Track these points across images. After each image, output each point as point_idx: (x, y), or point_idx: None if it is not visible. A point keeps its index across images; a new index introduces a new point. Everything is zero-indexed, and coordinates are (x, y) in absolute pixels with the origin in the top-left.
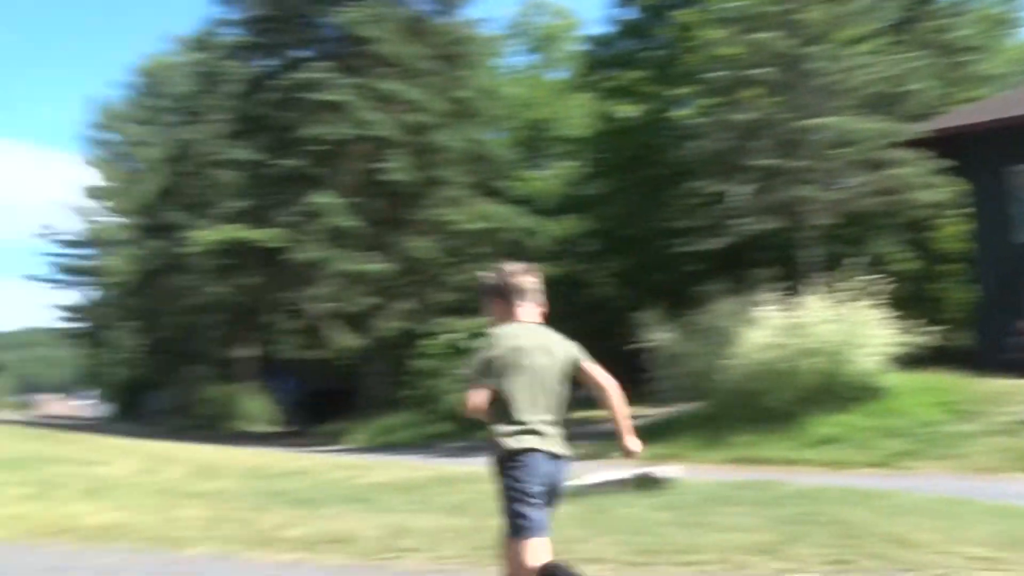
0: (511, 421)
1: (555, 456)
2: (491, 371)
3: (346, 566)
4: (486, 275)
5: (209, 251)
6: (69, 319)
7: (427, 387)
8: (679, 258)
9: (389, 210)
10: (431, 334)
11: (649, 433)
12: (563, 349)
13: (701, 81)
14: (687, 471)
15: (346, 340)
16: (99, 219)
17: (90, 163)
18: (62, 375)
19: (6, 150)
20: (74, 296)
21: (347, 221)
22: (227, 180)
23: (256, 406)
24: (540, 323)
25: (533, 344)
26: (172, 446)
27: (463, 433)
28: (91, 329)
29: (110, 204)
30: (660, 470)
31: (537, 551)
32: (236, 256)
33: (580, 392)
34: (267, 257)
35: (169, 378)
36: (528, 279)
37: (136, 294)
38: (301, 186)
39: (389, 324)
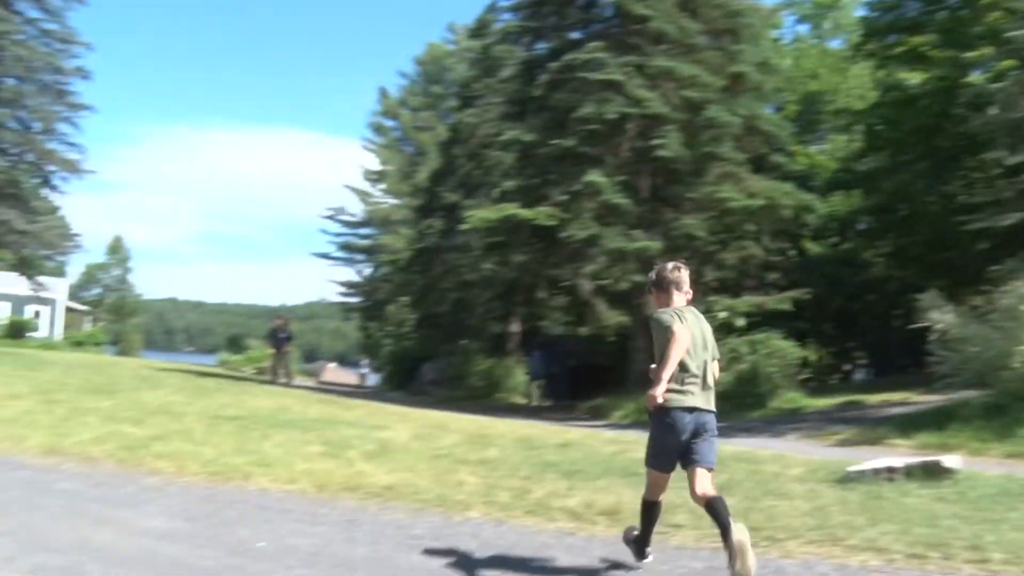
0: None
1: (696, 409)
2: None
3: (618, 537)
4: (651, 273)
5: (483, 229)
6: (348, 294)
7: None
8: (966, 236)
9: (661, 187)
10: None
11: (923, 421)
12: (709, 330)
13: (1002, 41)
14: (966, 463)
15: (612, 317)
16: (378, 201)
17: (371, 149)
18: (341, 346)
19: (301, 139)
20: (353, 272)
21: (618, 199)
22: (501, 161)
23: (522, 380)
24: (689, 306)
25: (691, 321)
26: (444, 415)
27: (724, 414)
28: (368, 303)
29: (389, 186)
30: (945, 459)
31: (664, 481)
32: (508, 234)
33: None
34: (538, 235)
35: (439, 350)
36: (679, 274)
37: (410, 271)
38: (573, 165)
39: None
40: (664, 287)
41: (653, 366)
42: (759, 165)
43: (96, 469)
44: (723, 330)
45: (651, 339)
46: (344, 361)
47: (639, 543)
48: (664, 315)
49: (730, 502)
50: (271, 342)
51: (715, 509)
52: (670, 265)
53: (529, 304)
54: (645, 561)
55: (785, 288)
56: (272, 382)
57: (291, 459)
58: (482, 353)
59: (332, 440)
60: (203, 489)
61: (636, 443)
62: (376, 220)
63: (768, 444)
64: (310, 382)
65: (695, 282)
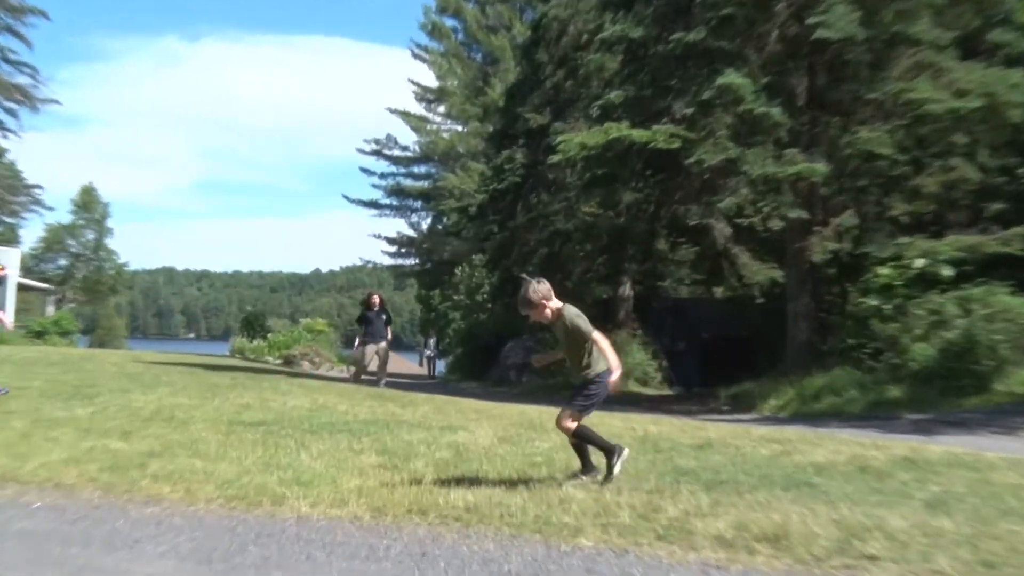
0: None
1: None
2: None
3: (788, 573)
4: (537, 286)
5: (580, 160)
6: (400, 253)
7: (876, 335)
8: None
9: (824, 89)
10: (885, 260)
11: None
12: None
13: None
14: None
15: (758, 271)
16: (437, 127)
17: (424, 58)
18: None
19: (326, 48)
20: (406, 225)
21: (765, 108)
22: (602, 66)
23: (639, 360)
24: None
25: None
26: (535, 410)
27: (926, 402)
28: (427, 265)
29: (451, 108)
30: None
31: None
32: (615, 164)
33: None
34: (656, 163)
35: (525, 325)
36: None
37: (484, 220)
38: (701, 65)
39: (820, 248)
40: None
41: (553, 356)
42: (970, 48)
43: (72, 500)
44: (921, 284)
45: (815, 297)
46: (399, 343)
47: (608, 460)
48: (581, 319)
49: (947, 523)
50: (363, 328)
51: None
52: (538, 280)
53: (645, 258)
54: (621, 458)
55: (1011, 223)
56: (356, 379)
57: (338, 475)
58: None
59: (391, 448)
60: (221, 519)
61: (802, 442)
62: (435, 154)
63: (995, 444)
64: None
65: (877, 216)
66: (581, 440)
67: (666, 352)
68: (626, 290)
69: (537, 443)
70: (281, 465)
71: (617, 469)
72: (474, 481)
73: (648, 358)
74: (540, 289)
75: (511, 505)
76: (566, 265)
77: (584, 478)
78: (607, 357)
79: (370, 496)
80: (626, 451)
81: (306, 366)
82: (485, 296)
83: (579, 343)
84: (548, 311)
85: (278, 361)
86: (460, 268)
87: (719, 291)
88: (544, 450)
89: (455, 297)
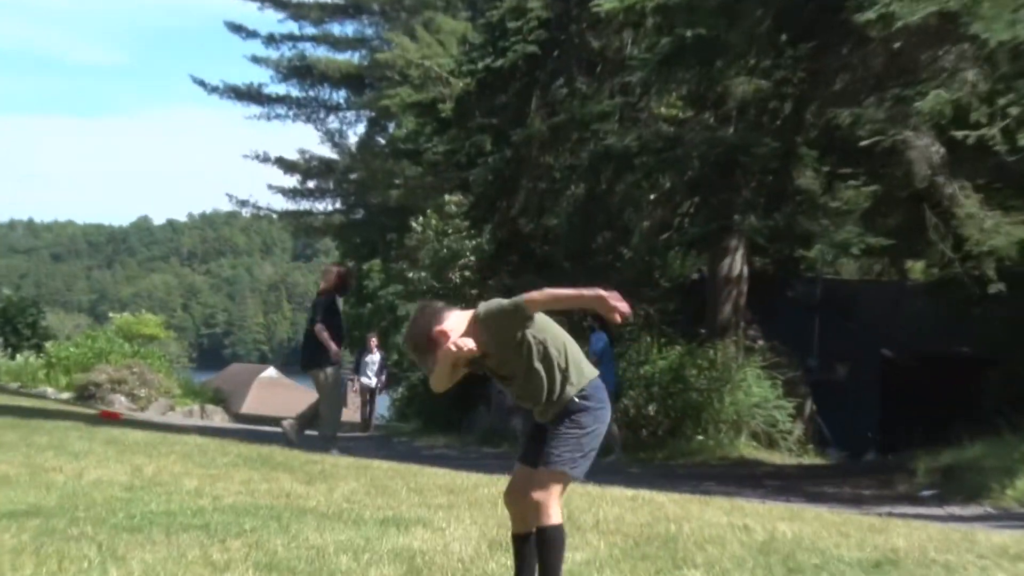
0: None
1: None
2: None
3: None
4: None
5: (652, 9)
6: (302, 193)
7: None
8: None
9: None
10: None
11: None
12: None
13: None
14: None
15: (997, 229)
16: None
17: None
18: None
19: None
20: (317, 136)
21: None
22: None
23: (757, 396)
24: None
25: None
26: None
27: None
28: (357, 218)
29: None
30: None
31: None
32: (719, 21)
33: None
34: (798, 21)
35: None
36: None
37: (464, 126)
38: None
39: None
40: None
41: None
42: None
43: None
44: None
45: None
46: (295, 362)
47: None
48: (497, 303)
49: None
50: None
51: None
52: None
53: (773, 205)
54: None
55: None
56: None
57: None
58: (651, 331)
59: (283, 561)
60: None
61: None
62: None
63: None
64: (217, 416)
65: None
66: (546, 543)
67: (813, 384)
68: (735, 264)
69: (576, 554)
70: None
71: None
72: None
73: (777, 395)
74: (430, 310)
75: None
76: (620, 215)
77: None
78: (563, 297)
79: None
80: None
81: (120, 404)
82: (467, 275)
83: (523, 350)
84: (450, 340)
85: (66, 394)
86: (419, 220)
87: (917, 269)
88: (576, 565)
89: (409, 275)
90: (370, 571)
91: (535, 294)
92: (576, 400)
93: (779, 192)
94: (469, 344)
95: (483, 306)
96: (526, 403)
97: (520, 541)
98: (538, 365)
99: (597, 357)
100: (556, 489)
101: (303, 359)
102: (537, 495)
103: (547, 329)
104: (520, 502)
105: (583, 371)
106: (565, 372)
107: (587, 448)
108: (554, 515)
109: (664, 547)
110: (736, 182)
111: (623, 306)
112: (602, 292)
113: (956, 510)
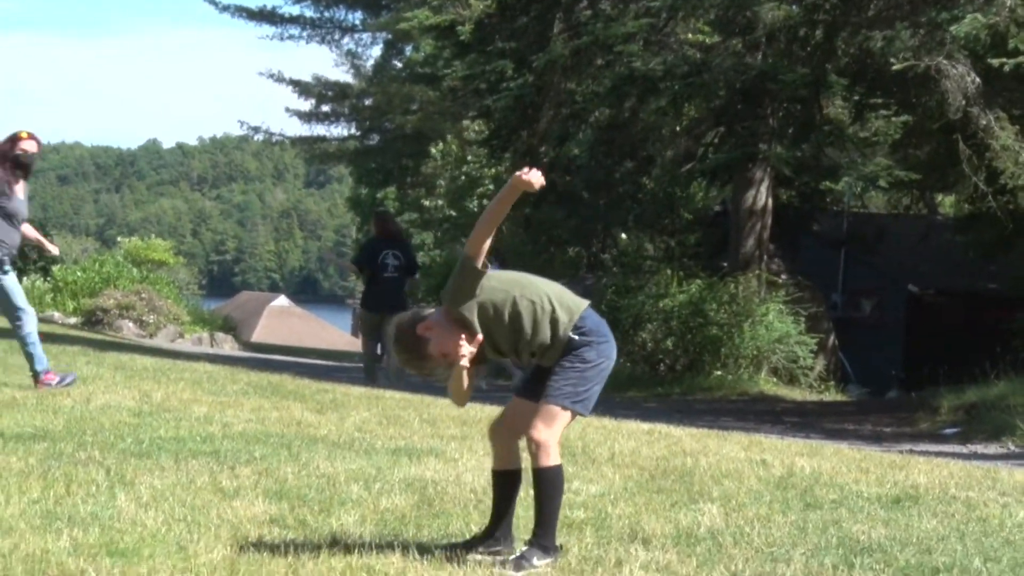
0: None
1: None
2: None
3: None
4: None
5: None
6: (314, 115)
7: None
8: None
9: None
10: None
11: None
12: None
13: None
14: None
15: None
16: None
17: None
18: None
19: None
20: (332, 59)
21: None
22: None
23: (779, 331)
24: None
25: None
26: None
27: None
28: (369, 139)
29: None
30: None
31: None
32: None
33: None
34: None
35: (565, 260)
36: None
37: (484, 50)
38: None
39: None
40: None
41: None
42: None
43: None
44: None
45: None
46: (314, 291)
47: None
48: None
49: None
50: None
51: None
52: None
53: (801, 134)
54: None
55: None
56: (371, 378)
57: (189, 537)
58: (671, 264)
59: (294, 488)
60: None
61: None
62: None
63: None
64: (227, 345)
65: None
66: (545, 484)
67: (836, 320)
68: (760, 196)
69: (576, 484)
70: (78, 518)
71: (538, 567)
72: (453, 555)
73: (799, 331)
74: (407, 316)
75: None
76: (643, 145)
77: (488, 548)
78: (489, 214)
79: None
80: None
81: (128, 330)
82: (485, 204)
83: (505, 313)
84: (449, 340)
85: (73, 319)
86: (437, 147)
87: (947, 203)
88: (590, 497)
89: (425, 202)
90: (381, 500)
91: (469, 239)
92: (575, 337)
93: (807, 121)
94: (469, 349)
95: (443, 295)
96: (533, 358)
97: (501, 478)
98: (525, 319)
99: None
100: (558, 426)
101: (398, 303)
102: (537, 433)
103: (515, 282)
104: (507, 438)
105: (571, 307)
106: (553, 314)
107: (591, 382)
108: (553, 455)
109: (680, 480)
110: (763, 110)
111: (534, 175)
112: (515, 177)
113: (979, 448)
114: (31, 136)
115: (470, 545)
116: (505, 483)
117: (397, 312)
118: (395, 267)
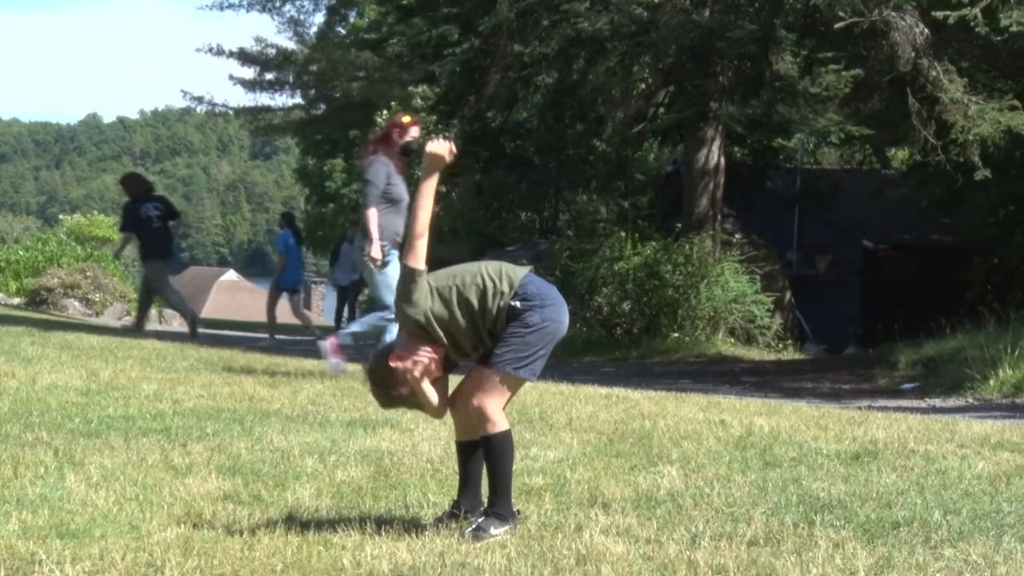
0: None
1: None
2: None
3: None
4: None
5: None
6: (257, 83)
7: None
8: None
9: None
10: None
11: None
12: None
13: None
14: None
15: (982, 115)
16: None
17: None
18: (245, 231)
19: None
20: (271, 26)
21: None
22: None
23: (735, 291)
24: None
25: None
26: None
27: None
28: (315, 108)
29: None
30: None
31: None
32: None
33: None
34: None
35: (520, 224)
36: None
37: (431, 13)
38: None
39: None
40: None
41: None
42: None
43: None
44: None
45: None
46: (259, 263)
47: (489, 518)
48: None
49: None
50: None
51: None
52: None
53: (751, 91)
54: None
55: None
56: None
57: (141, 516)
58: (625, 227)
59: (247, 463)
60: None
61: None
62: None
63: None
64: (175, 321)
65: None
66: (493, 451)
67: (792, 278)
68: (712, 155)
69: (533, 450)
70: (27, 500)
71: (496, 536)
72: (411, 526)
73: (755, 290)
74: (378, 352)
75: (484, 573)
76: (593, 107)
77: (458, 516)
78: (419, 202)
79: (205, 557)
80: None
81: (74, 309)
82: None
83: (453, 308)
84: (405, 360)
85: (16, 300)
86: (383, 115)
87: (899, 157)
88: (548, 463)
89: None
90: (337, 472)
91: (407, 233)
92: (516, 304)
93: (757, 78)
94: (429, 354)
95: (395, 305)
96: (493, 339)
97: (463, 449)
98: (474, 301)
99: (283, 254)
100: (499, 393)
101: (170, 249)
102: (477, 400)
103: (451, 272)
104: (463, 408)
105: (510, 276)
106: (495, 287)
107: (535, 347)
108: (498, 421)
109: (639, 443)
110: (712, 68)
111: (439, 144)
112: (428, 154)
113: (938, 402)
114: (415, 121)
115: (452, 515)
116: (467, 454)
117: (171, 258)
118: (158, 217)
